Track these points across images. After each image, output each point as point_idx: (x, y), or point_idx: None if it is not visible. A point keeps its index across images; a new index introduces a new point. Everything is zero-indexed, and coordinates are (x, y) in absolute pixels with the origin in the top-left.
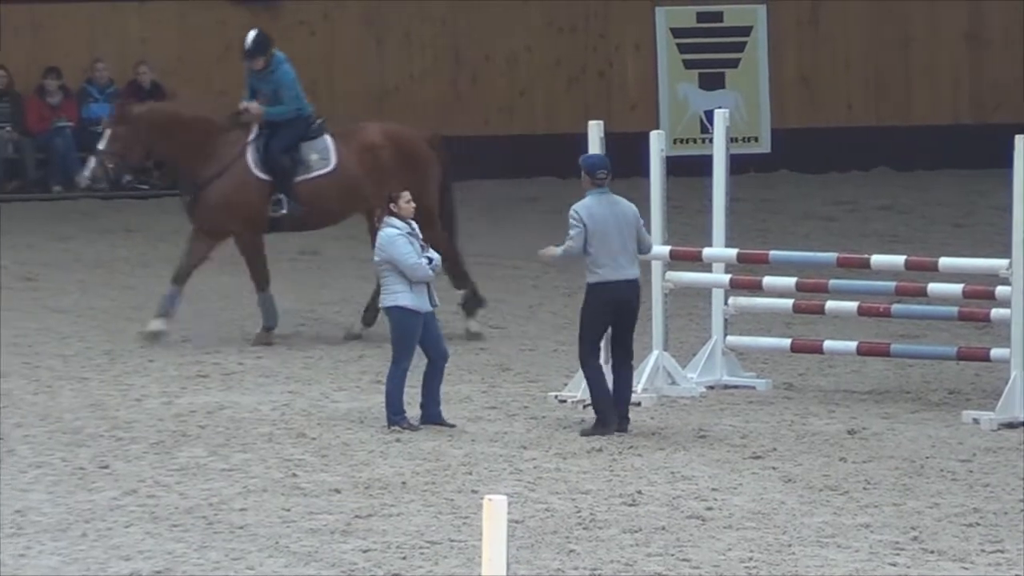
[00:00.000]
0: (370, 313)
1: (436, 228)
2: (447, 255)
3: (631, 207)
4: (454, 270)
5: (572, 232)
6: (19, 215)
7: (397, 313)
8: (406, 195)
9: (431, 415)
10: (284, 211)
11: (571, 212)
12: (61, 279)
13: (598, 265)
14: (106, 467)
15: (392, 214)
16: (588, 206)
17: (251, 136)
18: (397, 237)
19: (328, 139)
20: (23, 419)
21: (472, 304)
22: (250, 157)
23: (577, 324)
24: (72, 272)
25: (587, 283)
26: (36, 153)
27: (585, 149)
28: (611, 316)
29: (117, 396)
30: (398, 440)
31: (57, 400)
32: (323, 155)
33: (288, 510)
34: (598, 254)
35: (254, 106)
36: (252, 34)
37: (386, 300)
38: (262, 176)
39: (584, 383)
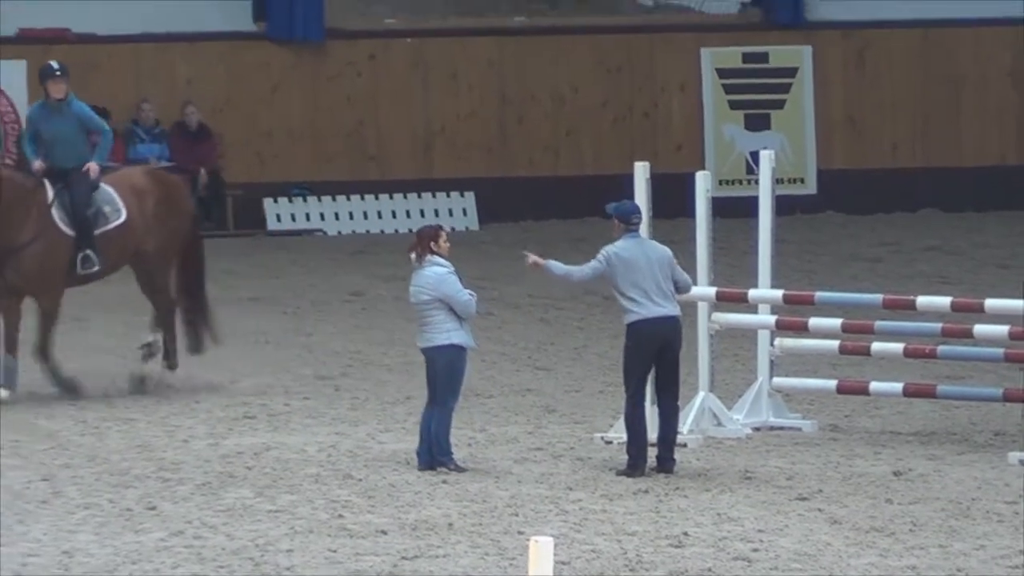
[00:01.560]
0: (172, 358)
1: (191, 273)
2: (198, 300)
3: (664, 248)
4: (187, 315)
5: (593, 264)
6: None
7: (451, 352)
8: (444, 234)
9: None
10: (96, 268)
11: (601, 253)
12: (108, 319)
13: (634, 303)
14: (153, 508)
15: (433, 252)
16: (619, 248)
17: (51, 193)
18: (448, 275)
19: (109, 187)
20: (70, 460)
21: (152, 351)
22: (56, 215)
23: (616, 366)
24: (118, 312)
25: (625, 324)
26: None
27: (631, 189)
28: (653, 354)
29: (164, 437)
30: (444, 481)
31: (104, 441)
32: (113, 205)
33: (335, 551)
34: (633, 293)
35: (94, 167)
36: (53, 61)
37: (435, 339)
38: (70, 233)
39: None
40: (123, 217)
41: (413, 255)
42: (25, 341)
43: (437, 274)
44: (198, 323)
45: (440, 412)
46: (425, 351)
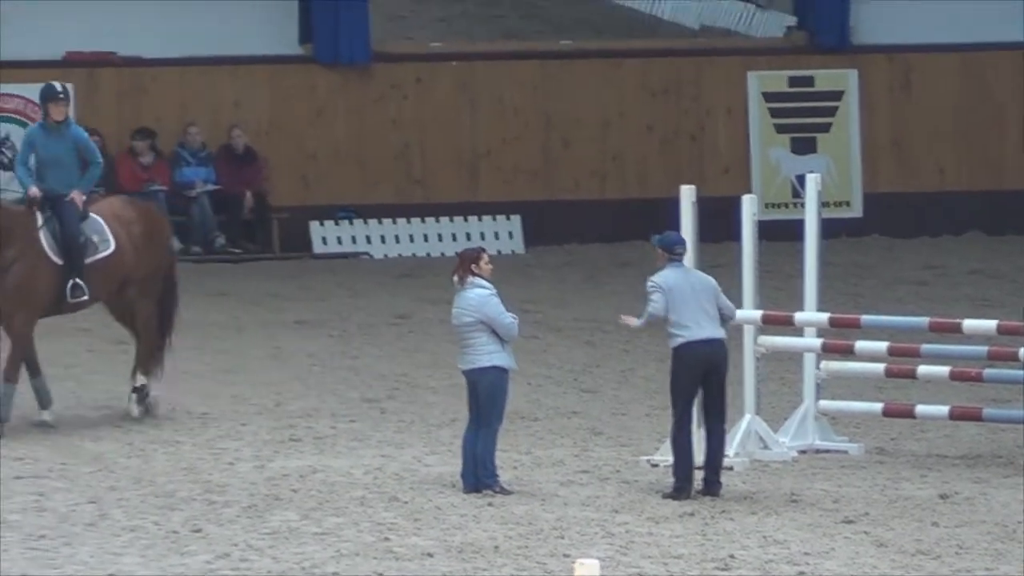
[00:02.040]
0: (143, 393)
1: (167, 306)
2: (166, 333)
3: (709, 278)
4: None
5: (653, 297)
6: None
7: (494, 373)
8: (485, 256)
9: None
10: (85, 297)
11: (649, 282)
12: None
13: (680, 327)
14: (199, 531)
15: (475, 274)
16: (665, 276)
17: (40, 221)
18: (491, 297)
19: (97, 217)
20: (116, 483)
21: (145, 394)
22: (44, 242)
23: (663, 389)
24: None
25: (671, 348)
26: None
27: (677, 213)
28: (699, 377)
29: (210, 460)
30: (490, 504)
31: (150, 463)
32: (101, 235)
33: (381, 574)
34: (679, 318)
35: (79, 196)
36: (56, 83)
37: (478, 361)
38: (57, 261)
39: None
40: (112, 247)
41: (456, 277)
42: (68, 366)
43: (479, 296)
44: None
45: (485, 434)
46: (467, 373)
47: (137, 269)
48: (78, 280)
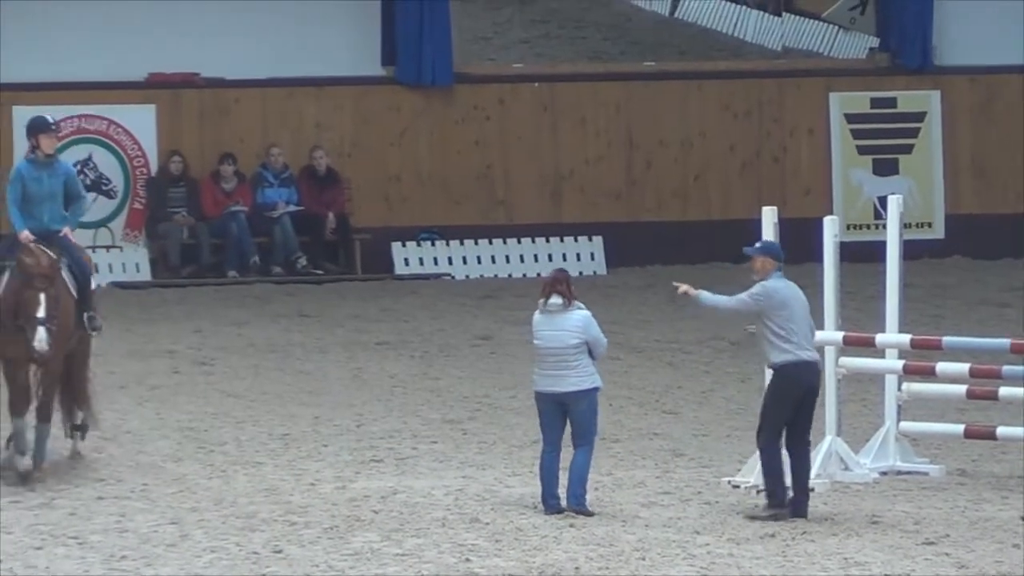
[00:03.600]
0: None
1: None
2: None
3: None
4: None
5: (743, 296)
6: (194, 299)
7: (593, 394)
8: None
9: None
10: (101, 326)
11: (758, 286)
12: (235, 364)
13: (787, 343)
14: (280, 552)
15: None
16: (776, 287)
17: (60, 257)
18: (592, 318)
19: None
20: (198, 504)
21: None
22: (68, 281)
23: (750, 409)
24: (246, 357)
25: (776, 363)
26: (211, 238)
27: (759, 234)
28: (798, 399)
29: (291, 481)
30: (571, 525)
31: (231, 485)
32: (82, 266)
33: None
34: (786, 333)
35: (69, 232)
36: (48, 115)
37: (581, 383)
38: (75, 296)
39: (759, 467)
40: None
41: (559, 299)
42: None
43: (585, 318)
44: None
45: (585, 452)
46: (567, 395)
47: None
48: (93, 312)
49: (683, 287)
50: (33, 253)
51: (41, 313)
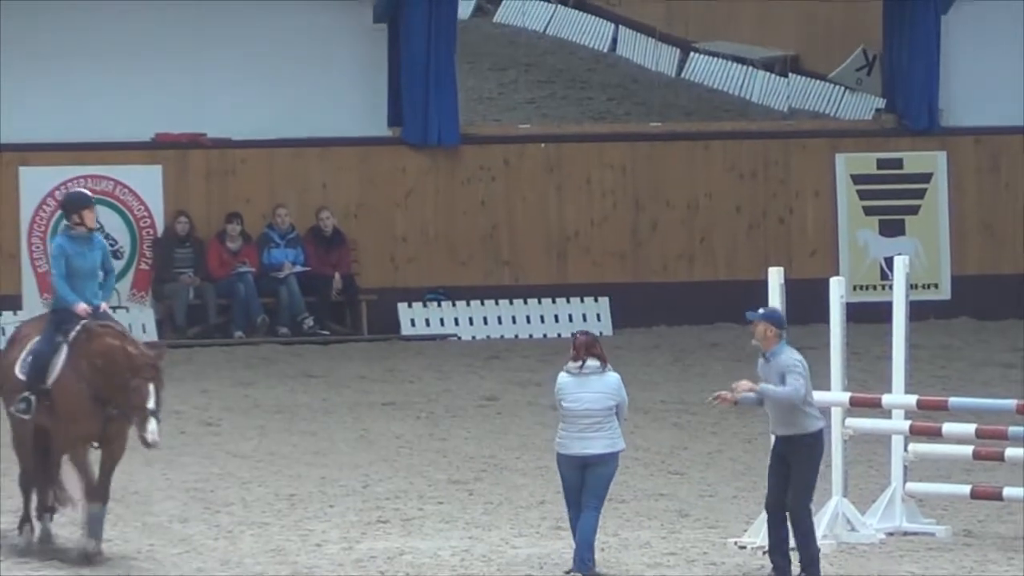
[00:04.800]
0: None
1: None
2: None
3: None
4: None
5: (800, 381)
6: (200, 360)
7: (619, 456)
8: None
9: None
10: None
11: (795, 361)
12: (241, 424)
13: (817, 411)
14: None
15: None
16: (799, 357)
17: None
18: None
19: None
20: (204, 564)
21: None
22: None
23: (756, 470)
24: (252, 417)
25: (814, 430)
26: (218, 298)
27: (765, 295)
28: None
29: (297, 541)
30: None
31: (238, 545)
32: None
33: None
34: (812, 400)
35: (106, 306)
36: (84, 189)
37: (616, 444)
38: None
39: (764, 529)
40: None
41: (596, 362)
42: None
43: (619, 380)
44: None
45: (595, 516)
46: (596, 457)
47: None
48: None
49: (741, 386)
50: (136, 343)
51: (152, 404)
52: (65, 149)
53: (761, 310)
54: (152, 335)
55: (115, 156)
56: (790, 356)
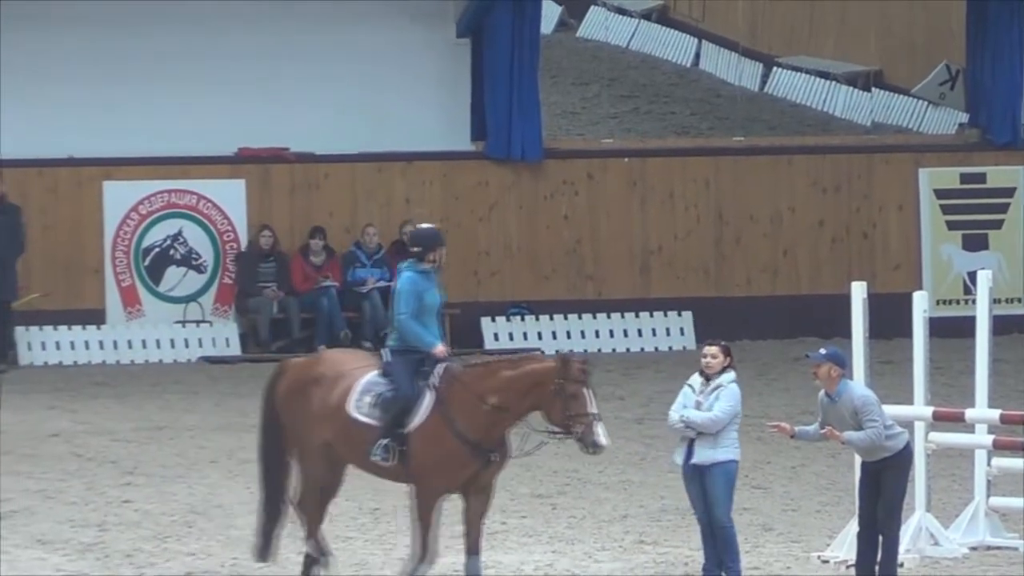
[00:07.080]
0: None
1: None
2: None
3: None
4: None
5: (876, 423)
6: None
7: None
8: None
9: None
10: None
11: (867, 402)
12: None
13: (901, 425)
14: None
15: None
16: (868, 392)
17: None
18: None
19: None
20: None
21: None
22: None
23: (840, 484)
24: None
25: (901, 445)
26: (301, 312)
27: (848, 309)
28: None
29: (381, 555)
30: None
31: None
32: None
33: None
34: (891, 422)
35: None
36: (433, 227)
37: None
38: None
39: (847, 543)
40: None
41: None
42: None
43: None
44: None
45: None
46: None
47: None
48: None
49: (833, 434)
50: (564, 358)
51: (594, 408)
52: (149, 163)
53: (823, 350)
54: (236, 349)
55: (198, 171)
56: (859, 394)
